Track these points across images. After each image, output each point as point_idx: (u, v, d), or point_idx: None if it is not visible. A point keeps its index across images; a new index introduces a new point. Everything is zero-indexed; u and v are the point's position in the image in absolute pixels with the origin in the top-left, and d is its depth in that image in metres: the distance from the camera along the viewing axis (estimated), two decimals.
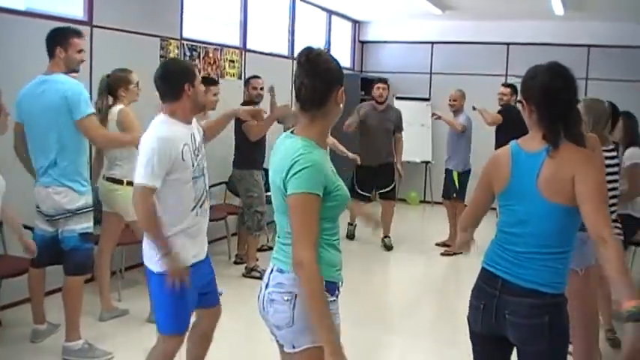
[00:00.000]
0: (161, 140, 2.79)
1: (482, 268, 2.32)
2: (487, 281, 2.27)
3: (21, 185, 3.77)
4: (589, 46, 9.01)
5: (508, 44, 9.57)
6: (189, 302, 2.90)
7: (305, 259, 1.97)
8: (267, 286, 2.18)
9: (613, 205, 3.55)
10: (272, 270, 2.19)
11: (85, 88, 4.10)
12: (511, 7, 8.34)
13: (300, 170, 2.01)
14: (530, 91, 2.26)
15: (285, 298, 2.09)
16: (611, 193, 3.55)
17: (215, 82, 5.60)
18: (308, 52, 2.13)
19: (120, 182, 4.30)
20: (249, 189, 5.69)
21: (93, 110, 3.85)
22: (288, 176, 2.03)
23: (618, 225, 3.58)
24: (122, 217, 4.37)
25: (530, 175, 2.19)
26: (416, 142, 8.85)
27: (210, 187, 3.29)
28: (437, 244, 7.11)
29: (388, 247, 7.00)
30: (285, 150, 2.11)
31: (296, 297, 2.07)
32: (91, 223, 3.90)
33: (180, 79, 2.91)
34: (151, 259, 2.87)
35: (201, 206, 2.94)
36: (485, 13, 8.94)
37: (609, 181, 3.56)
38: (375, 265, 6.62)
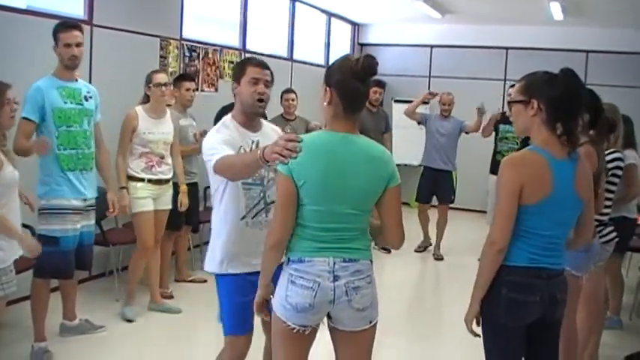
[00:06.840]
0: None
1: (521, 267, 2.34)
2: (534, 276, 2.35)
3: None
4: (587, 51, 9.02)
5: (507, 49, 9.60)
6: (248, 303, 2.57)
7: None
8: (337, 278, 2.24)
9: (607, 207, 3.56)
10: (334, 263, 2.25)
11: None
12: (510, 12, 8.37)
13: (394, 164, 2.36)
14: (546, 90, 2.30)
15: (368, 282, 2.31)
16: (607, 195, 3.57)
17: (192, 79, 5.35)
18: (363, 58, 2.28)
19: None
20: None
21: (27, 115, 3.62)
22: (393, 171, 2.33)
23: (611, 229, 3.58)
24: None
25: (569, 182, 2.32)
26: (413, 145, 8.82)
27: None
28: (416, 251, 7.15)
29: (387, 250, 6.99)
30: (368, 150, 2.33)
31: (371, 278, 2.33)
32: (50, 227, 3.69)
33: None
34: (212, 261, 2.78)
35: (253, 217, 2.75)
36: (484, 17, 8.97)
37: (608, 182, 3.58)
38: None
